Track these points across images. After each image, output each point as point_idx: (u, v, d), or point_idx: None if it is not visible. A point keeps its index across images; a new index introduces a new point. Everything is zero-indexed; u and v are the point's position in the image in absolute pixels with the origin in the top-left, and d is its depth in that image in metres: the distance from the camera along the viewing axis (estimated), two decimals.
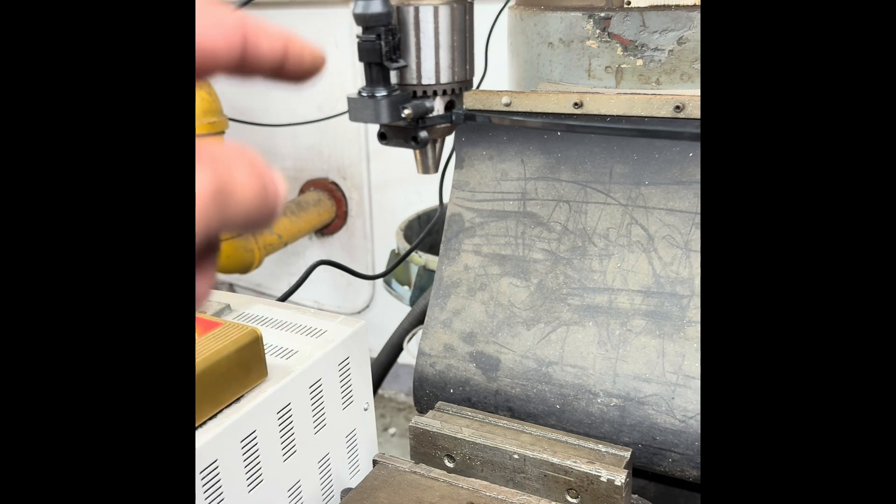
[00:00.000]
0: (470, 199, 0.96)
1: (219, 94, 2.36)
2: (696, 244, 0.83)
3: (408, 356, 1.64)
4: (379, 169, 2.84)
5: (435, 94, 0.48)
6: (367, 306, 3.03)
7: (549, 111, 0.90)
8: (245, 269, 2.52)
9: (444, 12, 0.46)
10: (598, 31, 0.87)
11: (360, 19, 0.44)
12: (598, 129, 0.77)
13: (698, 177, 0.83)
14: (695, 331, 0.81)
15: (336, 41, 2.73)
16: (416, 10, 0.46)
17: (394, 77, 0.45)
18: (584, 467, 0.68)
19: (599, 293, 0.87)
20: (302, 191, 3.01)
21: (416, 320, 1.65)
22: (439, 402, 0.87)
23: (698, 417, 0.79)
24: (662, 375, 0.81)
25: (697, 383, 0.79)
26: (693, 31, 0.83)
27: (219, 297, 0.77)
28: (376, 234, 2.95)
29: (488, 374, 0.90)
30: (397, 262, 1.35)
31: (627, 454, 0.73)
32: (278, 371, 0.63)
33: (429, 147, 0.49)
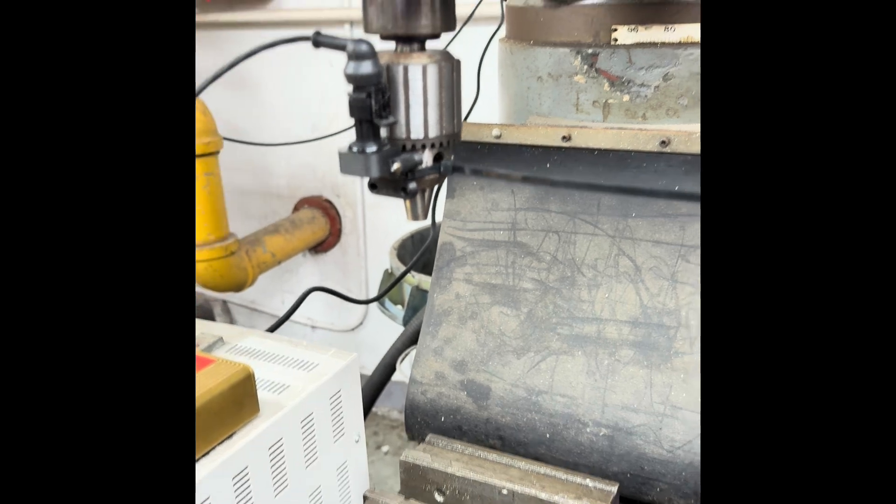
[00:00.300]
0: (461, 229, 0.98)
1: (213, 114, 2.38)
2: (683, 276, 0.84)
3: (401, 374, 1.65)
4: None
5: (424, 147, 0.49)
6: (361, 324, 3.04)
7: (539, 144, 0.92)
8: (238, 287, 2.53)
9: (433, 71, 0.48)
10: (585, 66, 0.89)
11: (352, 79, 0.45)
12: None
13: (684, 210, 0.85)
14: (681, 361, 0.82)
15: (330, 61, 2.75)
16: (406, 68, 0.47)
17: (383, 131, 0.47)
18: (572, 502, 0.69)
19: (588, 323, 0.88)
20: (296, 208, 3.02)
21: (410, 340, 1.66)
22: (430, 435, 0.88)
23: (686, 447, 0.80)
24: (650, 406, 0.82)
25: (684, 413, 0.80)
26: (678, 68, 0.85)
27: (211, 329, 0.78)
28: (370, 251, 2.96)
29: (479, 402, 0.91)
30: (390, 285, 1.36)
31: (614, 489, 0.74)
32: (270, 406, 0.64)
33: (418, 196, 0.51)
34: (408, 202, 0.52)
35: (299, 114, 2.87)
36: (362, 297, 3.01)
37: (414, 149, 0.49)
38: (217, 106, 2.61)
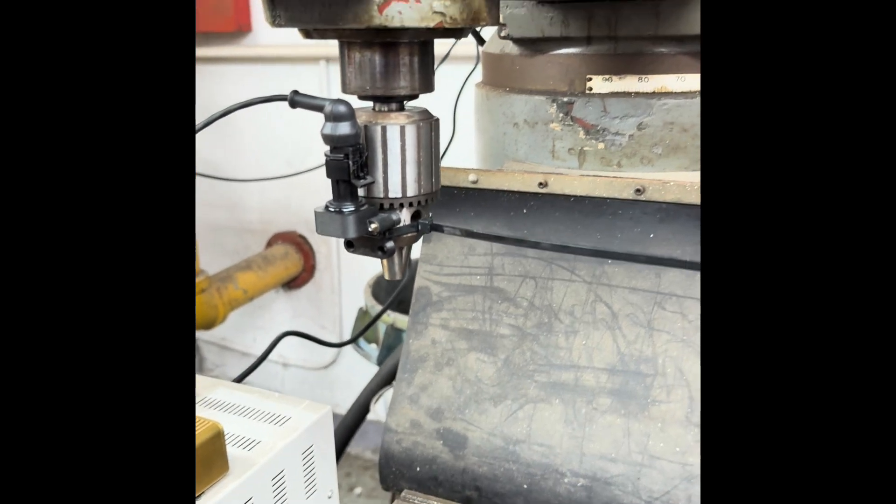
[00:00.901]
0: (438, 273, 0.97)
1: None
2: (659, 323, 0.84)
3: (375, 414, 1.62)
4: None
5: (401, 206, 0.49)
6: (334, 361, 3.00)
7: (515, 189, 0.92)
8: (209, 325, 2.48)
9: (411, 131, 0.47)
10: (561, 114, 0.90)
11: (329, 140, 0.45)
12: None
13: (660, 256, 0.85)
14: (658, 410, 0.82)
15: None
16: (384, 129, 0.47)
17: (361, 189, 0.46)
18: None
19: (566, 370, 0.87)
20: (269, 244, 2.99)
21: (384, 381, 1.63)
22: (405, 491, 0.86)
23: (664, 498, 0.79)
24: (628, 455, 0.81)
25: (662, 463, 0.80)
26: (652, 118, 0.86)
27: None
28: (344, 287, 2.94)
29: (455, 451, 0.89)
30: (365, 327, 1.34)
31: None
32: (240, 464, 0.62)
33: (395, 254, 0.50)
34: (385, 261, 0.52)
35: (273, 149, 2.86)
36: (336, 335, 2.98)
37: (392, 208, 0.48)
38: None
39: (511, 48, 0.97)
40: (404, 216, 0.49)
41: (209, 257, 3.01)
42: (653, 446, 0.81)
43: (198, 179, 2.37)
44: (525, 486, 0.85)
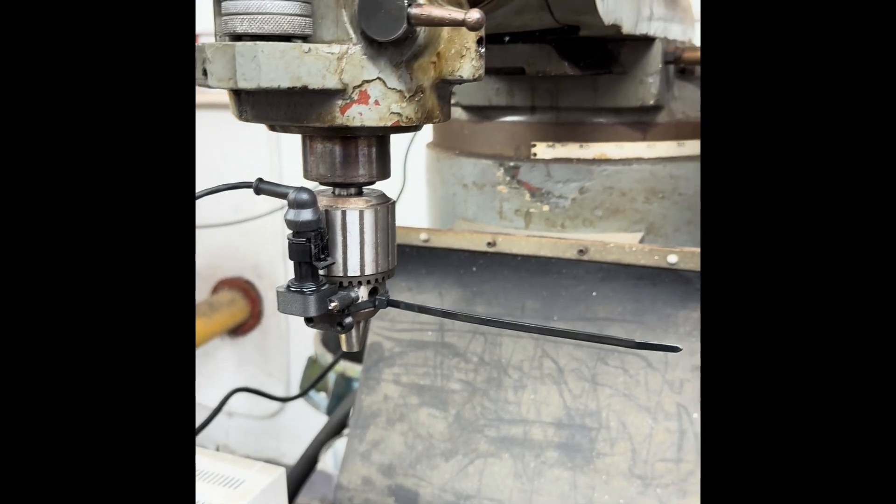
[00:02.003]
0: (390, 329, 0.99)
1: None
2: (602, 378, 0.88)
3: (324, 464, 1.60)
4: None
5: (360, 283, 0.51)
6: (280, 410, 2.95)
7: (465, 248, 0.96)
8: None
9: (369, 215, 0.50)
10: (508, 177, 0.95)
11: (292, 225, 0.47)
12: None
13: (601, 314, 0.90)
14: (603, 463, 0.85)
15: (256, 142, 2.77)
16: (344, 213, 0.50)
17: (321, 270, 0.49)
18: None
19: (515, 425, 0.90)
20: (215, 290, 2.95)
21: (334, 430, 1.63)
22: None
23: None
24: None
25: None
26: (593, 183, 0.91)
27: None
28: (292, 333, 2.91)
29: None
30: (316, 379, 1.35)
31: None
32: None
33: (353, 328, 0.53)
34: (343, 336, 0.54)
35: (221, 194, 2.84)
36: (283, 382, 2.93)
37: (350, 285, 0.51)
38: None
39: (460, 114, 1.01)
40: (362, 293, 0.52)
41: None
42: (598, 498, 0.84)
43: None
44: None
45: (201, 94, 3.11)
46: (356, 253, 0.50)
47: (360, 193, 0.51)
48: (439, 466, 0.91)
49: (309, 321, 0.51)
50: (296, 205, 0.47)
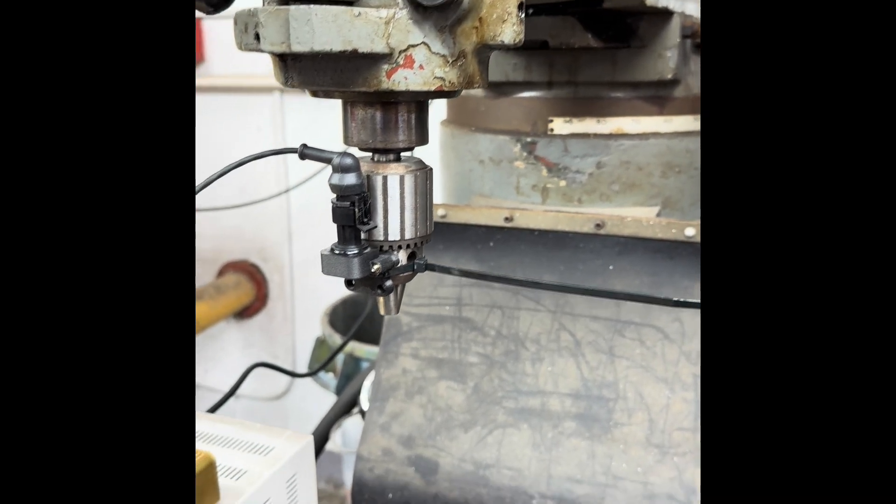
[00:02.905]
0: (408, 304, 1.01)
1: None
2: (619, 350, 0.90)
3: (333, 444, 1.62)
4: (301, 250, 2.85)
5: (399, 248, 0.53)
6: (287, 392, 2.97)
7: (482, 223, 0.97)
8: None
9: (409, 180, 0.51)
10: (524, 153, 0.95)
11: (337, 189, 0.48)
12: None
13: (618, 287, 0.91)
14: (621, 432, 0.87)
15: (258, 125, 2.77)
16: (385, 179, 0.51)
17: (363, 234, 0.50)
18: None
19: (532, 396, 0.92)
20: (221, 273, 2.96)
21: (343, 410, 1.64)
22: None
23: None
24: (593, 476, 0.86)
25: (625, 483, 0.84)
26: (610, 157, 0.92)
27: None
28: (298, 316, 2.92)
29: (427, 478, 0.92)
30: (330, 356, 1.36)
31: None
32: (230, 493, 0.64)
33: (392, 291, 0.54)
34: (381, 298, 0.55)
35: (226, 177, 2.85)
36: (290, 364, 2.95)
37: (391, 249, 0.52)
38: None
39: (476, 90, 1.02)
40: (401, 257, 0.53)
41: None
42: (616, 467, 0.86)
43: None
44: None
45: (207, 79, 3.10)
46: (396, 218, 0.51)
47: (398, 160, 0.53)
48: (458, 437, 0.93)
49: (349, 284, 0.52)
50: (340, 169, 0.48)
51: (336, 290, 2.56)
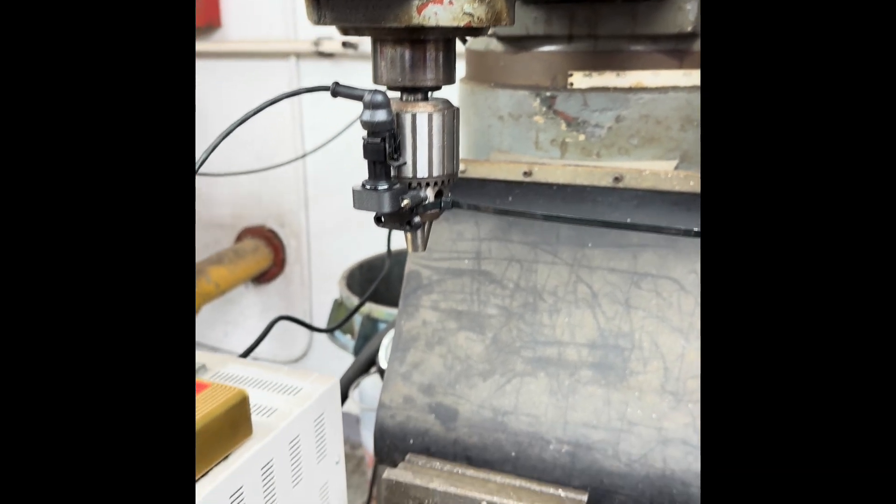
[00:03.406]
0: (427, 258, 1.03)
1: None
2: (635, 301, 0.92)
3: (351, 403, 1.66)
4: (318, 216, 2.88)
5: (427, 185, 0.54)
6: (304, 355, 3.02)
7: (501, 178, 0.98)
8: None
9: (437, 118, 0.53)
10: (544, 108, 0.96)
11: (368, 126, 0.50)
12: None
13: (635, 240, 0.93)
14: (636, 380, 0.89)
15: (275, 91, 2.78)
16: (414, 116, 0.53)
17: (392, 171, 0.52)
18: None
19: (550, 346, 0.94)
20: (239, 238, 3.00)
21: (361, 369, 1.68)
22: (409, 455, 0.91)
23: (641, 461, 0.86)
24: (609, 422, 0.88)
25: (640, 429, 0.87)
26: (629, 111, 0.93)
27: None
28: (315, 281, 2.96)
29: (447, 424, 0.95)
30: (349, 314, 1.39)
31: (584, 498, 0.79)
32: (261, 428, 0.67)
33: (419, 229, 0.56)
34: (409, 235, 0.57)
35: (244, 142, 2.87)
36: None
37: (419, 186, 0.54)
38: None
39: (495, 45, 1.03)
40: (429, 194, 0.55)
41: None
42: (631, 413, 0.88)
43: None
44: (513, 454, 0.91)
45: (223, 45, 3.11)
46: (425, 155, 0.53)
47: (426, 99, 0.54)
48: (477, 385, 0.95)
49: (378, 221, 0.54)
50: (371, 105, 0.49)
51: (352, 254, 2.59)
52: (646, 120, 0.92)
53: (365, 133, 0.50)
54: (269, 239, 2.95)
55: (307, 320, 3.05)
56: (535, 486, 0.81)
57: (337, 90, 0.53)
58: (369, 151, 0.50)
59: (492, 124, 1.04)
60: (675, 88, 0.92)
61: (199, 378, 0.72)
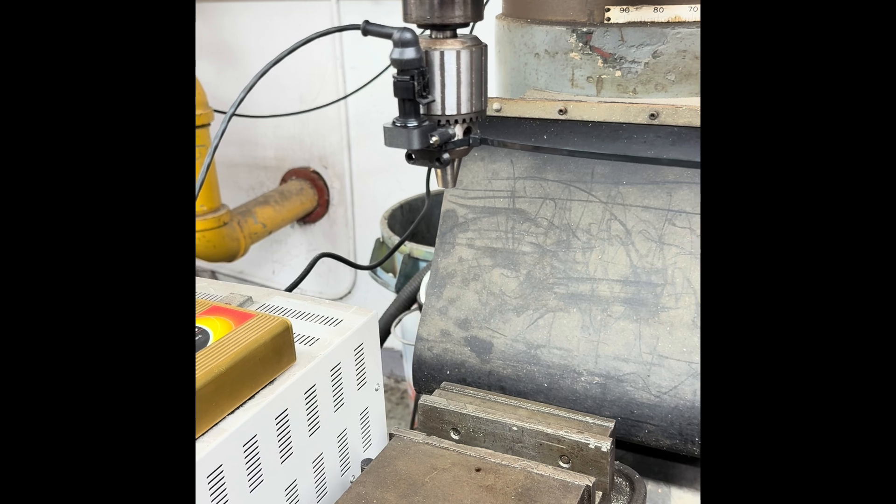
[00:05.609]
0: (463, 197, 1.05)
1: (203, 86, 2.40)
2: (669, 238, 0.92)
3: (394, 339, 1.72)
4: (360, 158, 2.91)
5: (456, 122, 0.56)
6: (350, 292, 3.11)
7: (536, 116, 0.99)
8: (231, 257, 2.58)
9: (465, 55, 0.54)
10: (580, 44, 0.96)
11: (397, 63, 0.51)
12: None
13: (670, 177, 0.93)
14: (668, 315, 0.90)
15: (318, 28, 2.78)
16: (442, 54, 0.54)
17: (422, 108, 0.53)
18: (575, 436, 0.78)
19: (582, 282, 0.96)
20: (284, 180, 3.06)
21: (403, 306, 1.73)
22: (444, 383, 0.96)
23: (671, 393, 0.88)
24: (639, 356, 0.91)
25: (670, 362, 0.89)
26: (666, 46, 0.92)
27: (239, 290, 0.85)
28: (358, 221, 3.02)
29: (482, 356, 0.98)
30: (389, 252, 1.43)
31: (611, 424, 0.82)
32: (304, 356, 0.71)
33: (449, 165, 0.58)
34: (439, 171, 0.59)
35: (286, 85, 2.89)
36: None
37: (448, 123, 0.56)
38: (204, 78, 2.62)
39: None
40: (458, 131, 0.57)
41: (225, 193, 3.09)
42: (662, 347, 0.90)
43: (214, 116, 2.42)
44: (545, 385, 0.95)
45: None
46: (453, 92, 0.54)
47: (454, 36, 0.55)
48: (511, 320, 0.98)
49: (409, 158, 0.56)
50: (400, 44, 0.51)
51: (394, 195, 2.62)
52: (683, 55, 0.91)
53: (395, 71, 0.52)
54: (314, 180, 3.01)
55: (352, 258, 3.12)
56: (563, 413, 0.84)
57: (367, 28, 0.54)
58: (399, 89, 0.52)
59: (528, 62, 1.03)
60: None
61: (246, 309, 0.76)
